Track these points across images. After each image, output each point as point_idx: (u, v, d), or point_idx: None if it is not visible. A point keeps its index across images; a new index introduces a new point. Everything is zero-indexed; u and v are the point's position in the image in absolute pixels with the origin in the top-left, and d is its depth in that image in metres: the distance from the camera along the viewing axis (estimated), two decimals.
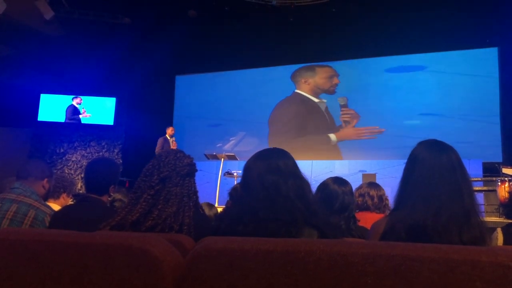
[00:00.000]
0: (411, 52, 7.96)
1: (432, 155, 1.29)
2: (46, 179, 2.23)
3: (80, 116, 8.90)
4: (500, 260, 0.67)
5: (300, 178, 1.34)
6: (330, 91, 8.55)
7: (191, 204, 1.50)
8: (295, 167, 1.36)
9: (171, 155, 1.56)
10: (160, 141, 7.33)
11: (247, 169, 1.36)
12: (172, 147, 7.17)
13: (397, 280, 0.71)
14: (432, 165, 1.27)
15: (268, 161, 1.33)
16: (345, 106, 8.35)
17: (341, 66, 8.58)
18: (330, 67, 8.67)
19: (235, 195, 2.52)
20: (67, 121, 8.90)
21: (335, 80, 8.55)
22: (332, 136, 8.39)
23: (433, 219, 1.18)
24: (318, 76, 8.71)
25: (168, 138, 7.39)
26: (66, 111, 8.95)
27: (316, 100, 8.61)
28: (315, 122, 8.52)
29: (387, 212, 2.44)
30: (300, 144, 8.38)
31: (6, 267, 0.93)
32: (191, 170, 1.56)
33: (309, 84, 8.75)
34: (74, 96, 8.99)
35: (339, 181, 2.08)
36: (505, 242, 1.89)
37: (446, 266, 0.69)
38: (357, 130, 8.21)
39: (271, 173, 1.30)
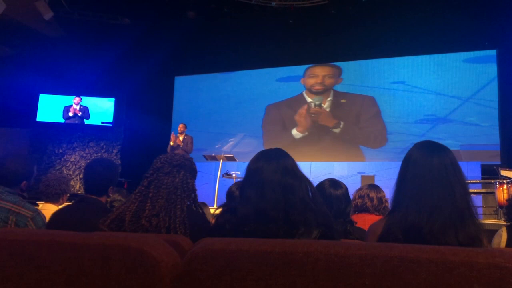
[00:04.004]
0: (411, 54, 7.97)
1: (424, 156, 1.29)
2: (24, 182, 1.96)
3: (70, 114, 8.79)
4: (497, 262, 0.67)
5: (308, 180, 1.37)
6: (312, 91, 8.64)
7: (184, 198, 1.53)
8: (298, 167, 1.39)
9: (169, 153, 1.64)
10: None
11: (258, 170, 1.33)
12: (177, 142, 7.04)
13: (394, 281, 0.71)
14: (423, 165, 1.27)
15: (280, 163, 1.34)
16: (316, 106, 8.47)
17: (341, 67, 8.59)
18: (322, 67, 8.72)
19: (237, 196, 2.52)
20: (67, 121, 8.87)
21: (318, 80, 8.64)
22: (293, 131, 8.63)
23: (428, 220, 1.18)
24: (306, 76, 8.80)
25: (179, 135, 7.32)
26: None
27: (309, 99, 8.65)
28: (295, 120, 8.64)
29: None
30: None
31: (3, 267, 0.92)
32: (184, 163, 1.61)
33: (304, 83, 8.83)
34: (74, 96, 8.97)
35: (334, 184, 2.08)
36: (509, 240, 1.88)
37: (443, 267, 0.69)
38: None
39: (287, 175, 1.31)
